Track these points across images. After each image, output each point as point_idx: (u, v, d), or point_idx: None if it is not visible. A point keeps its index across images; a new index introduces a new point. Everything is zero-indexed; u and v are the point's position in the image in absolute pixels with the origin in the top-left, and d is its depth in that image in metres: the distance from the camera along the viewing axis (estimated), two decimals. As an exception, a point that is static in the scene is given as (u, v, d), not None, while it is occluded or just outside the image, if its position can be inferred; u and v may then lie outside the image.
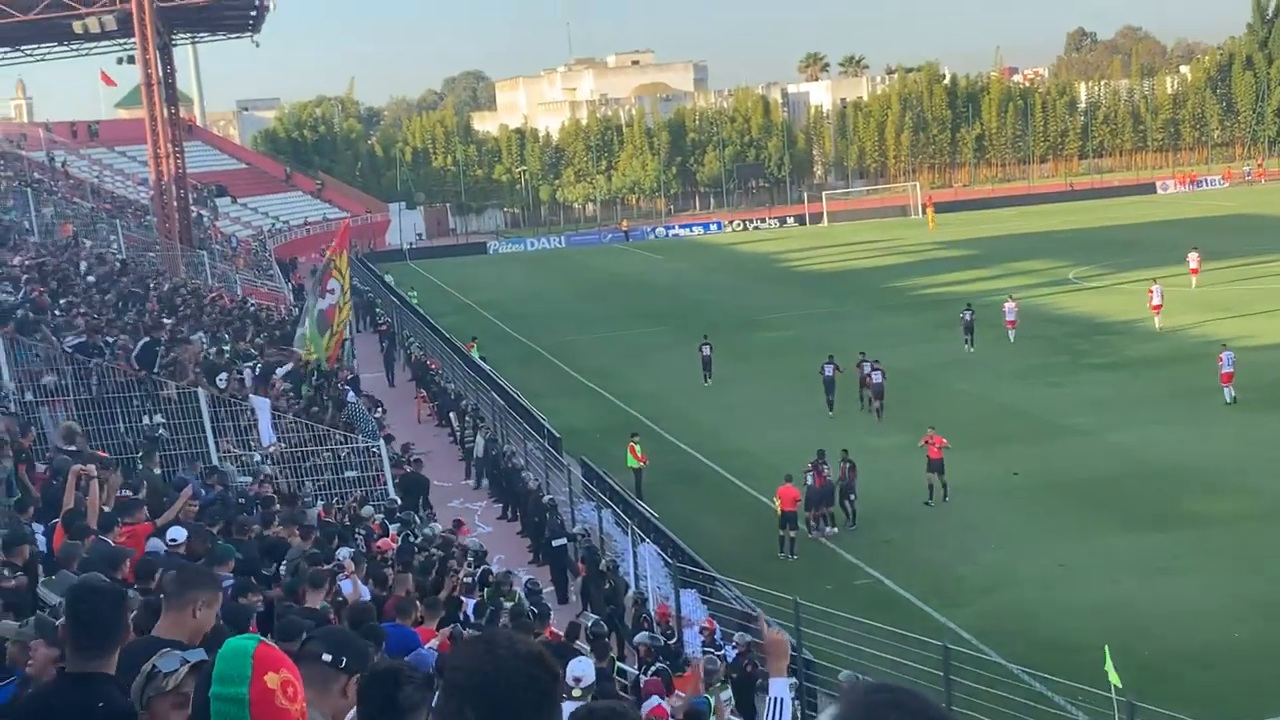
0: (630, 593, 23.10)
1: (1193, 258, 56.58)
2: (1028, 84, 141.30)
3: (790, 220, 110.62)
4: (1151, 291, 48.93)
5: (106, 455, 17.07)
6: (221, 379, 26.17)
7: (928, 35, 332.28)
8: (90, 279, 35.92)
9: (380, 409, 35.29)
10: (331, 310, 30.87)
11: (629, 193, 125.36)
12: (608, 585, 23.26)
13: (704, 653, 18.87)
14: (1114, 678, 16.33)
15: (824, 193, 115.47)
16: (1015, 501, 29.96)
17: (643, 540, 25.23)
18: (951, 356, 46.14)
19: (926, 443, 30.29)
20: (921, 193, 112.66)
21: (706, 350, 45.48)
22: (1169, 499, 29.08)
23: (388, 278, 75.36)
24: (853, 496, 29.20)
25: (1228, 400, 36.39)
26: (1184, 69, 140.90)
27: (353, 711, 4.11)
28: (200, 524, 13.93)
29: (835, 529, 28.82)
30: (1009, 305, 48.95)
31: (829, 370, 39.70)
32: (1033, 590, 24.62)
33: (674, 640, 19.24)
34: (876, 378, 38.42)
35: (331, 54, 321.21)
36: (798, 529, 27.84)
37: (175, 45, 61.77)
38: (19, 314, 24.16)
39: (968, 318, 47.69)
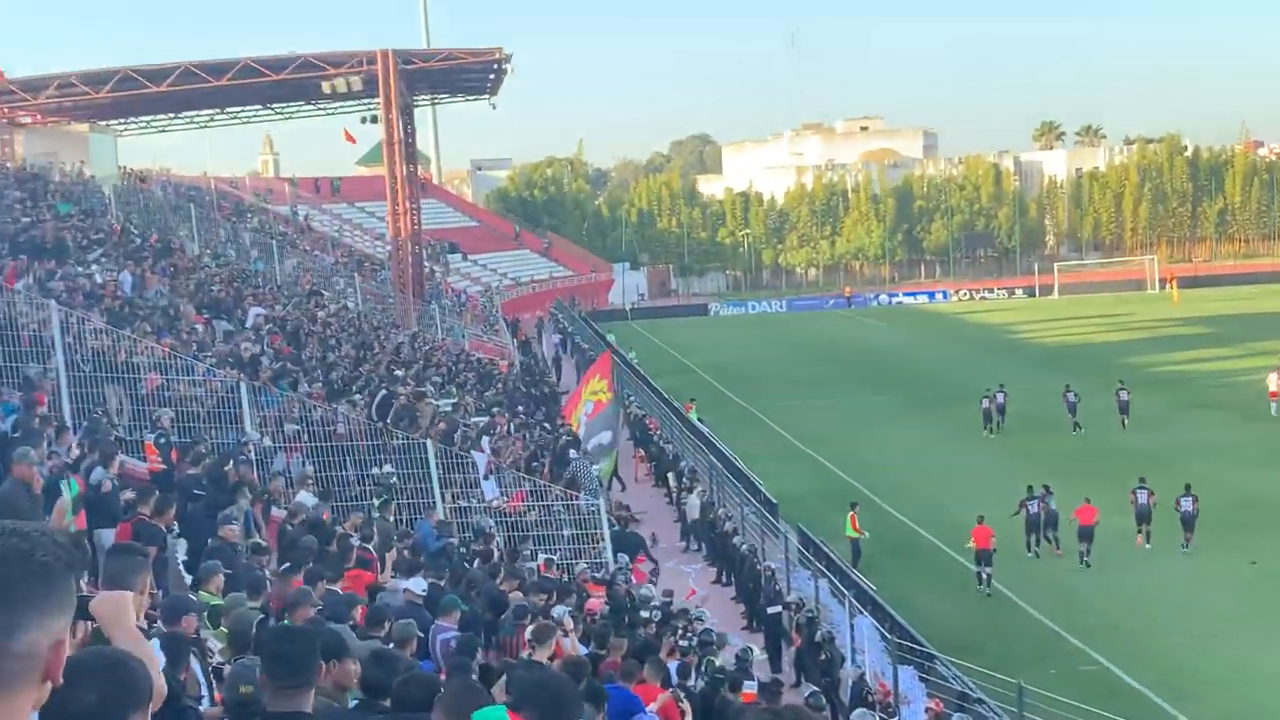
0: (846, 666, 22.62)
1: None
2: (1275, 158, 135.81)
3: (1019, 291, 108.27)
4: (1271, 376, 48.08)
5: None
6: (458, 435, 26.73)
7: (1169, 106, 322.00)
8: (327, 332, 37.29)
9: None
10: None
11: (853, 258, 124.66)
12: (823, 656, 22.83)
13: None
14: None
15: (1055, 264, 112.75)
16: (1253, 592, 28.41)
17: (860, 613, 24.72)
18: (1189, 438, 44.25)
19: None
20: (1159, 267, 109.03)
21: (985, 403, 46.55)
22: None
23: (610, 336, 76.17)
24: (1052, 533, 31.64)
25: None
26: None
27: None
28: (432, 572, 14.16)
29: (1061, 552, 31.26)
30: (1273, 376, 47.82)
31: (1000, 398, 45.86)
32: (1272, 686, 23.23)
33: (893, 719, 18.72)
34: (1124, 395, 45.86)
35: (562, 116, 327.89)
36: (993, 567, 29.18)
37: (416, 106, 64.09)
38: (265, 363, 25.14)
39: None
